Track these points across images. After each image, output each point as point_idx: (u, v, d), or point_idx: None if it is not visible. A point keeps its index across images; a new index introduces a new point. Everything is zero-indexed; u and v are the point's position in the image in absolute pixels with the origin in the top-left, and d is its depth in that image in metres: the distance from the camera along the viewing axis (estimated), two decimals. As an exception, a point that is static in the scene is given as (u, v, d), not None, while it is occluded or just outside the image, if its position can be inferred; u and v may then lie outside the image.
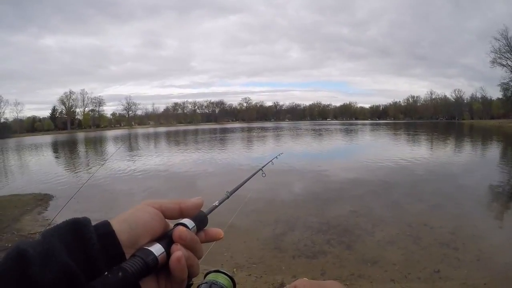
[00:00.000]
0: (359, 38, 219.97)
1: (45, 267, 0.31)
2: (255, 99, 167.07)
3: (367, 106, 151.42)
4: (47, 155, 23.54)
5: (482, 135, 31.40)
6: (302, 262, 4.16)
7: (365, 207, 6.46)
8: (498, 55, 58.08)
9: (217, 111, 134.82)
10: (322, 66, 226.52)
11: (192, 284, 0.44)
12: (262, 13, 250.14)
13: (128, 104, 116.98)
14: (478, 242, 4.59)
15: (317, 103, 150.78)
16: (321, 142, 25.07)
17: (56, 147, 32.26)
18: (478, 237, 4.77)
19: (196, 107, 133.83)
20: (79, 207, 5.90)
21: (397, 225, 5.38)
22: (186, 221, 0.42)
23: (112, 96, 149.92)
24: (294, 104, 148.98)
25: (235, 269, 3.88)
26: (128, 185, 9.78)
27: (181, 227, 0.41)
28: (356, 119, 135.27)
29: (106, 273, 0.34)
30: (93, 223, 0.38)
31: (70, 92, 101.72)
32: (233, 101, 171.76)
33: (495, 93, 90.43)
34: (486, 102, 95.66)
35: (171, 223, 0.43)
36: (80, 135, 66.42)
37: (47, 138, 53.88)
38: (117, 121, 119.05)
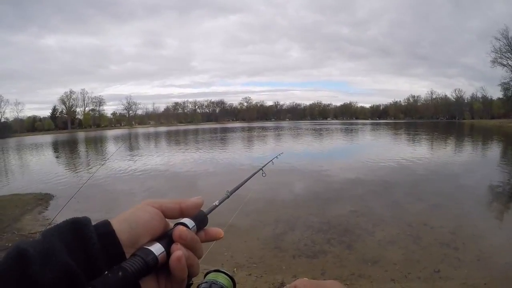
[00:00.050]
0: (360, 38, 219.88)
1: (45, 266, 0.32)
2: (255, 98, 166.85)
3: (367, 105, 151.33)
4: (48, 155, 23.56)
5: (483, 135, 31.38)
6: (302, 261, 4.16)
7: (365, 207, 6.47)
8: (499, 55, 57.99)
9: (217, 110, 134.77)
10: (322, 66, 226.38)
11: (192, 283, 0.44)
12: (262, 13, 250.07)
13: (128, 103, 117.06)
14: (479, 242, 4.59)
15: (317, 103, 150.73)
16: (322, 142, 25.06)
17: (56, 146, 32.28)
18: (478, 237, 4.77)
19: (196, 106, 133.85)
20: (80, 207, 5.91)
21: (397, 224, 5.38)
22: (186, 220, 0.43)
23: (112, 95, 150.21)
24: (294, 103, 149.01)
25: (235, 269, 3.88)
26: (128, 184, 9.79)
27: (181, 227, 0.41)
28: (357, 118, 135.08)
29: (106, 272, 0.34)
30: (93, 222, 0.38)
31: (71, 92, 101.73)
32: (234, 100, 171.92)
33: (496, 93, 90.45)
34: (486, 102, 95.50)
35: (171, 223, 0.43)
36: (81, 134, 66.47)
37: (48, 138, 53.92)
38: (118, 120, 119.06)
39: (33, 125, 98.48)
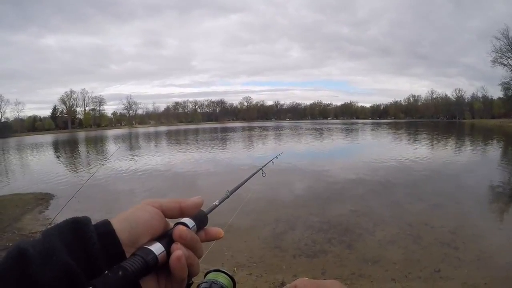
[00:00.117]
0: (360, 38, 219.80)
1: (45, 266, 0.32)
2: (255, 98, 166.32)
3: (367, 105, 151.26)
4: (48, 155, 23.58)
5: (483, 135, 31.36)
6: (302, 261, 4.16)
7: (365, 207, 6.47)
8: (499, 55, 57.90)
9: (217, 110, 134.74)
10: (322, 66, 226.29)
11: (192, 283, 0.44)
12: (263, 13, 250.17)
13: (128, 103, 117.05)
14: (479, 241, 4.59)
15: (317, 103, 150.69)
16: (322, 142, 25.05)
17: (57, 146, 32.30)
18: (478, 237, 4.77)
19: (196, 106, 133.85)
20: (80, 207, 5.91)
21: (397, 224, 5.38)
22: (186, 220, 0.43)
23: (112, 95, 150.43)
24: (294, 103, 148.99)
25: (235, 268, 3.88)
26: (128, 184, 9.79)
27: (181, 226, 0.41)
28: (357, 118, 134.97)
29: (106, 272, 0.34)
30: (94, 222, 0.38)
31: (71, 92, 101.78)
32: (234, 100, 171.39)
33: (496, 93, 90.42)
34: (487, 101, 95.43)
35: (171, 223, 0.43)
36: (81, 134, 66.51)
37: (48, 138, 53.95)
38: (118, 120, 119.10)
39: (33, 125, 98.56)
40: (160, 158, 16.50)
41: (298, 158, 13.42)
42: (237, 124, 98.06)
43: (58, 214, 2.80)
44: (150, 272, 0.37)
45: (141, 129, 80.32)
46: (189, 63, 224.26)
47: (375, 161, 12.63)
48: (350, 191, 7.96)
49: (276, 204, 6.76)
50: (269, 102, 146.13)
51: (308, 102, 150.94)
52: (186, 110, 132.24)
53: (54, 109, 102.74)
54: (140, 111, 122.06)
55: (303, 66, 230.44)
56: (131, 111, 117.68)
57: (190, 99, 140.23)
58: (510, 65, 57.60)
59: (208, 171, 11.60)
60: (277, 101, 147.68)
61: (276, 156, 1.86)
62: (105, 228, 0.37)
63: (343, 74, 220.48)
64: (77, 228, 0.36)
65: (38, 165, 16.55)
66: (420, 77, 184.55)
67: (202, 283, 0.57)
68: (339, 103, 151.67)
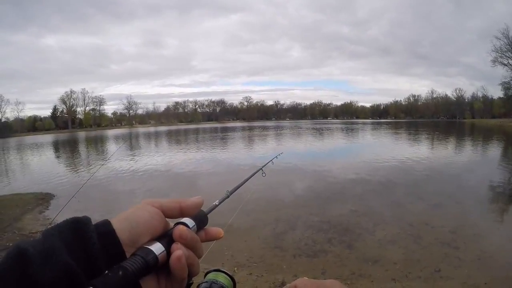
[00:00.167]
0: (360, 37, 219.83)
1: (46, 266, 0.32)
2: (256, 98, 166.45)
3: (368, 105, 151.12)
4: (48, 155, 23.59)
5: (483, 135, 31.35)
6: (303, 261, 4.16)
7: (366, 206, 6.46)
8: (499, 54, 57.89)
9: (218, 110, 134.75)
10: (323, 65, 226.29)
11: (192, 283, 0.44)
12: (263, 12, 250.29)
13: (129, 103, 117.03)
14: (479, 241, 4.59)
15: (318, 102, 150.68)
16: (322, 141, 25.05)
17: (57, 146, 32.32)
18: (479, 237, 4.77)
19: (197, 106, 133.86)
20: (80, 207, 5.91)
21: (398, 224, 5.38)
22: (187, 220, 0.43)
23: (113, 95, 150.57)
24: (295, 103, 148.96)
25: (236, 268, 3.88)
26: (128, 184, 9.80)
27: (181, 226, 0.41)
28: (357, 118, 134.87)
29: (106, 272, 0.34)
30: (94, 222, 0.38)
31: (71, 91, 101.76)
32: (234, 100, 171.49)
33: (496, 92, 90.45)
34: (487, 101, 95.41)
35: (171, 222, 0.44)
36: (81, 134, 66.54)
37: (48, 138, 53.97)
38: (118, 120, 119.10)
39: (33, 125, 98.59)
40: (160, 158, 16.50)
41: (298, 158, 13.42)
42: (237, 124, 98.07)
43: (58, 214, 2.80)
44: (150, 272, 0.37)
45: (141, 129, 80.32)
46: (189, 63, 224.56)
47: (375, 161, 12.62)
48: (350, 190, 7.96)
49: (276, 204, 6.76)
50: (269, 102, 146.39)
51: (308, 102, 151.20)
52: (186, 110, 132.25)
53: (54, 109, 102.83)
54: (140, 111, 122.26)
55: (303, 66, 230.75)
56: (131, 111, 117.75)
57: (190, 99, 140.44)
58: (510, 64, 57.62)
59: (208, 171, 11.61)
60: (277, 101, 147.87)
61: (276, 156, 1.86)
62: (105, 228, 0.37)
63: (343, 74, 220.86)
64: (77, 228, 0.36)
65: (38, 165, 16.56)
66: (420, 76, 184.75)
67: (202, 283, 0.57)
68: (339, 103, 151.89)
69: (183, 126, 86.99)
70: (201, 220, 0.45)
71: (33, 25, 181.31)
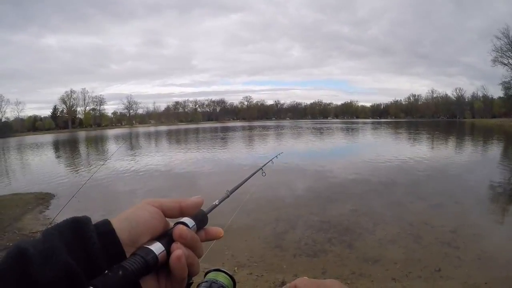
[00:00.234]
0: (360, 37, 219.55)
1: (46, 265, 0.32)
2: (256, 97, 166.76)
3: (368, 104, 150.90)
4: (48, 155, 23.59)
5: (484, 134, 31.32)
6: (303, 260, 4.16)
7: (366, 206, 6.46)
8: (500, 54, 57.89)
9: (218, 109, 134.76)
10: (323, 65, 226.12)
11: (192, 282, 0.44)
12: (263, 12, 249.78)
13: (129, 103, 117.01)
14: (479, 241, 4.59)
15: (318, 102, 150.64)
16: (322, 141, 25.05)
17: (57, 146, 32.32)
18: (479, 236, 4.77)
19: (197, 105, 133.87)
20: (80, 206, 5.92)
21: (398, 224, 5.38)
22: (186, 219, 0.43)
23: (113, 95, 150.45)
24: (295, 102, 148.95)
25: (236, 268, 3.88)
26: (129, 184, 9.80)
27: (181, 226, 0.41)
28: (357, 117, 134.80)
29: (106, 271, 0.34)
30: (94, 222, 0.38)
31: (71, 91, 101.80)
32: (234, 99, 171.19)
33: (497, 92, 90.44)
34: (487, 101, 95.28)
35: (171, 222, 0.44)
36: (81, 134, 66.57)
37: (48, 137, 53.99)
38: (118, 120, 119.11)
39: (33, 125, 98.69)
40: (160, 157, 16.51)
41: (298, 158, 13.42)
42: (238, 123, 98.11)
43: (58, 214, 2.81)
44: (150, 271, 0.37)
45: (141, 129, 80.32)
46: (189, 63, 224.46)
47: (375, 160, 12.62)
48: (351, 190, 7.95)
49: (276, 204, 6.76)
50: (270, 102, 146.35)
51: (308, 102, 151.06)
52: (186, 110, 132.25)
53: (55, 109, 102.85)
54: (140, 111, 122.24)
55: (304, 66, 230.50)
56: (131, 111, 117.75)
57: (191, 99, 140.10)
58: (510, 64, 57.60)
59: (208, 171, 11.61)
60: (278, 101, 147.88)
61: (276, 156, 1.86)
62: (105, 228, 0.37)
63: (343, 73, 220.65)
64: (77, 227, 0.36)
65: (39, 165, 16.56)
66: (420, 76, 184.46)
67: (202, 282, 0.56)
68: (339, 103, 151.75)
69: (183, 126, 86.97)
70: (201, 219, 0.45)
71: (33, 25, 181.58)
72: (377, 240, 4.74)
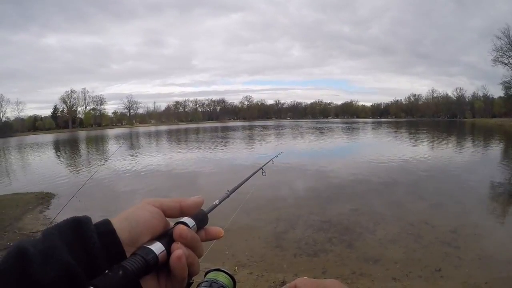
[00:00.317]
0: (361, 36, 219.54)
1: (46, 265, 0.32)
2: (256, 97, 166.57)
3: (368, 104, 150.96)
4: (49, 154, 23.61)
5: (484, 134, 31.30)
6: (303, 260, 4.16)
7: (366, 206, 6.46)
8: (500, 54, 57.75)
9: (218, 109, 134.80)
10: (323, 65, 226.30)
11: (192, 282, 0.44)
12: (264, 12, 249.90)
13: (129, 102, 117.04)
14: (480, 241, 4.58)
15: (318, 102, 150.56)
16: (322, 141, 25.04)
17: (57, 146, 32.35)
18: (479, 236, 4.77)
19: (197, 105, 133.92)
20: (81, 206, 5.93)
21: (398, 223, 5.38)
22: (187, 219, 0.43)
23: (113, 94, 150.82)
24: (295, 102, 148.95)
25: (236, 267, 3.89)
26: (129, 183, 9.80)
27: (181, 226, 0.41)
28: (358, 117, 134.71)
29: (106, 271, 0.34)
30: (94, 221, 0.38)
31: (72, 91, 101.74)
32: (235, 99, 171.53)
33: (497, 92, 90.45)
34: (487, 100, 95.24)
35: (172, 222, 0.44)
36: (82, 133, 66.60)
37: (49, 137, 54.01)
38: (119, 119, 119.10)
39: (34, 125, 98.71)
40: (161, 157, 16.52)
41: (299, 157, 13.42)
42: (238, 123, 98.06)
43: (59, 213, 2.81)
44: (150, 271, 0.37)
45: (141, 129, 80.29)
46: (190, 62, 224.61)
47: (375, 160, 12.61)
48: (351, 190, 7.95)
49: (276, 203, 6.76)
50: (270, 101, 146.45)
51: (308, 101, 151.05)
52: (186, 109, 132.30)
53: (55, 109, 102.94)
54: (140, 111, 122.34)
55: (304, 65, 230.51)
56: (131, 111, 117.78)
57: (191, 98, 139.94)
58: (511, 64, 57.50)
59: (209, 171, 11.61)
60: (278, 100, 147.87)
61: (277, 155, 1.86)
62: (106, 228, 0.37)
63: (344, 73, 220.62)
64: (78, 227, 0.36)
65: (39, 165, 16.57)
66: (421, 76, 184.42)
67: (202, 282, 0.57)
68: (339, 102, 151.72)
69: (183, 126, 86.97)
70: (201, 219, 0.45)
71: (34, 24, 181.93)
72: (378, 239, 4.74)
